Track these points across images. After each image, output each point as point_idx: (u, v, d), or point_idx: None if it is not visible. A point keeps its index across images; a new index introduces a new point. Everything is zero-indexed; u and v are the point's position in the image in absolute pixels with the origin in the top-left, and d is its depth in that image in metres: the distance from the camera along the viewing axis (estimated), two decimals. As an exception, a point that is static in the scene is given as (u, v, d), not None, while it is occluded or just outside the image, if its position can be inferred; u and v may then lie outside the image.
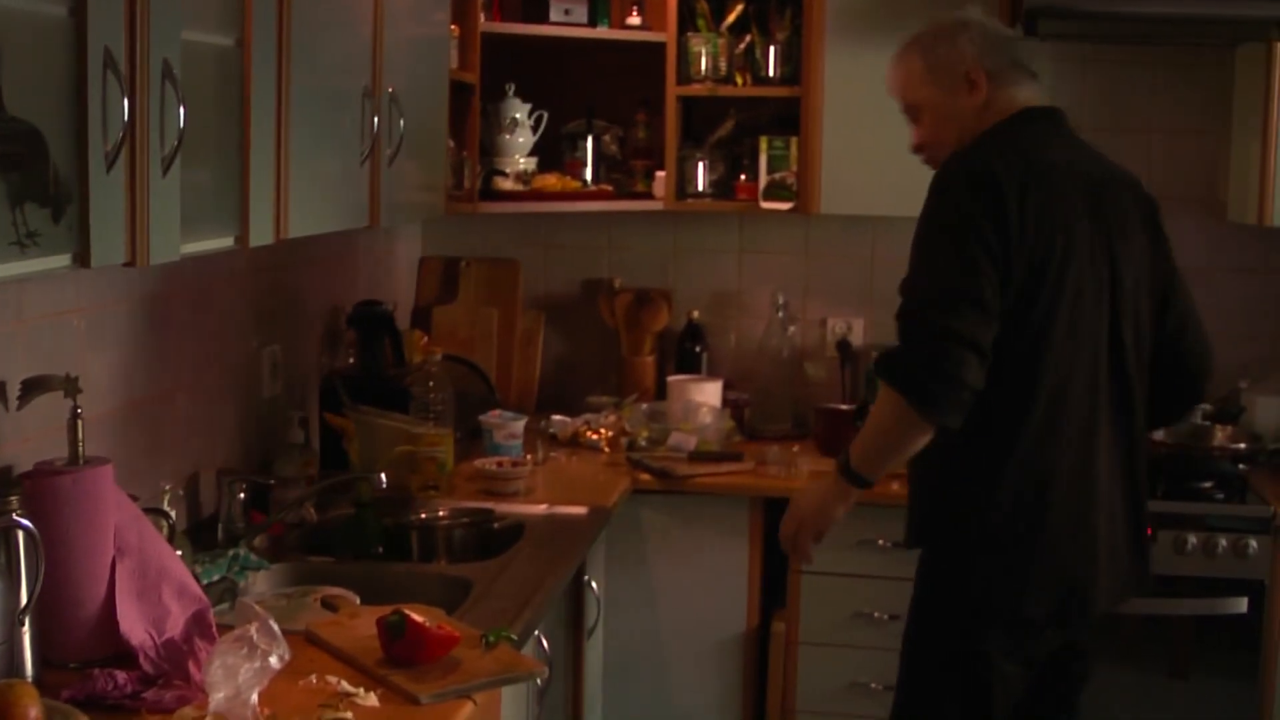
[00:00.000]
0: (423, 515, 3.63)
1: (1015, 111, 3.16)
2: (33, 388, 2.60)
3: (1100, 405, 3.05)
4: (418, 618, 2.52)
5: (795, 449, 4.38)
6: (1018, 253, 2.92)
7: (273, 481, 3.47)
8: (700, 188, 4.70)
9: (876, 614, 4.19)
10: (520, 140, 4.51)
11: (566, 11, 4.55)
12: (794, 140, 4.52)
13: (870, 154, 4.38)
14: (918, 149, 3.31)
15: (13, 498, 2.34)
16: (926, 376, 2.86)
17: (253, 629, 2.36)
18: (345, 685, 2.43)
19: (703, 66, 4.59)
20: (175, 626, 2.50)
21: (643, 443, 4.43)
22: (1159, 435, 4.34)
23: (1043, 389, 2.97)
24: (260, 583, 3.06)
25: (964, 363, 2.84)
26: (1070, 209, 3.03)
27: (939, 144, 3.23)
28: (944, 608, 3.13)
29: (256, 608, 2.45)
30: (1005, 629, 3.06)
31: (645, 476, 4.20)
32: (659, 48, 4.56)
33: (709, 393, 4.66)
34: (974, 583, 3.06)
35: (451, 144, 4.03)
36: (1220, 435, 4.38)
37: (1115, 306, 3.07)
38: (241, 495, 3.25)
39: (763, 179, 4.56)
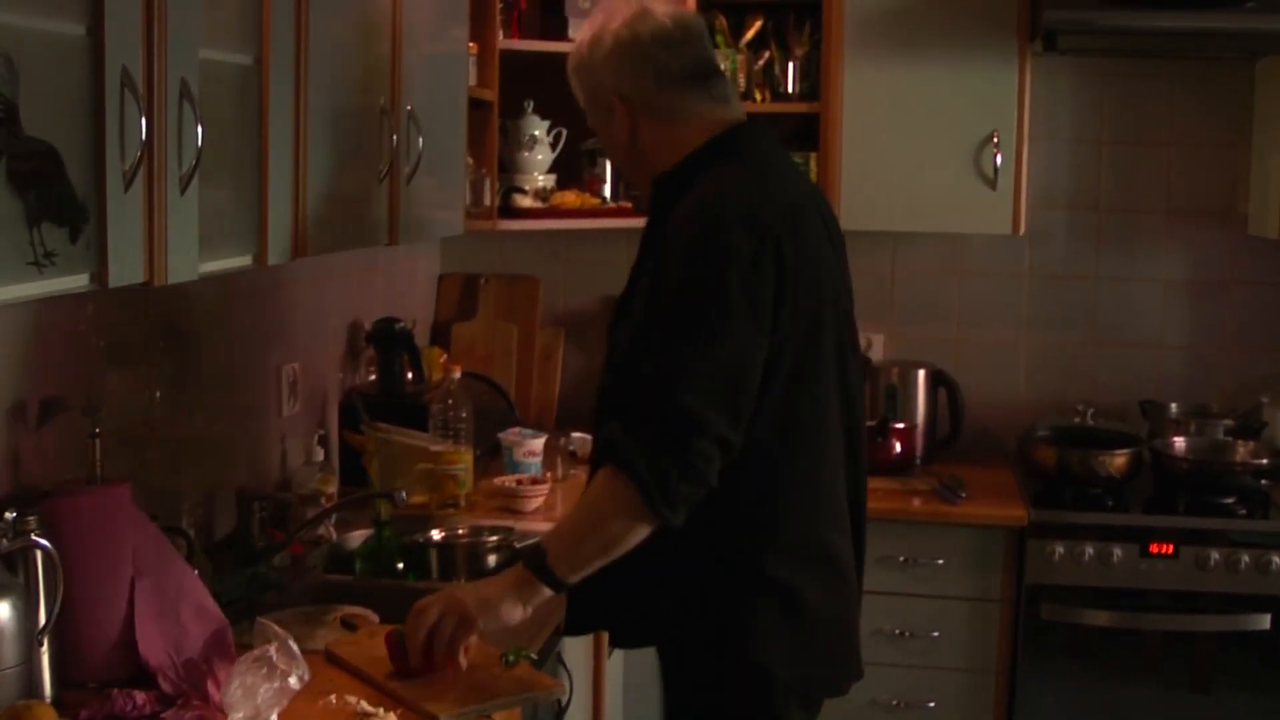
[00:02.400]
0: (442, 533, 3.62)
1: (729, 126, 2.74)
2: (51, 408, 2.61)
3: (838, 451, 2.75)
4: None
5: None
6: (790, 304, 2.52)
7: (292, 500, 3.47)
8: (719, 204, 4.68)
9: (896, 631, 4.18)
10: (539, 157, 4.50)
11: (585, 28, 4.54)
12: (813, 156, 4.51)
13: (889, 169, 4.38)
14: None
15: (31, 518, 2.34)
16: (677, 476, 2.40)
17: (272, 649, 2.36)
18: (365, 705, 2.42)
19: (721, 82, 4.58)
20: (194, 646, 2.49)
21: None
22: (1180, 450, 4.34)
23: (801, 443, 2.63)
24: (279, 602, 3.05)
25: (714, 463, 2.43)
26: (818, 238, 2.67)
27: (615, 159, 3.02)
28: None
29: (275, 627, 2.44)
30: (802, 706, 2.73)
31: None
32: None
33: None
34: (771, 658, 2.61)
35: (470, 161, 4.02)
36: (1242, 450, 4.36)
37: (845, 336, 2.74)
38: (260, 514, 3.24)
39: (781, 195, 4.55)
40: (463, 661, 2.51)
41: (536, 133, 4.49)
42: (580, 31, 2.83)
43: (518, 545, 3.52)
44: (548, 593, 2.50)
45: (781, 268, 2.50)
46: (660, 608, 2.63)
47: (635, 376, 2.49)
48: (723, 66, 4.47)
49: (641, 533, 2.45)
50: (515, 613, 2.52)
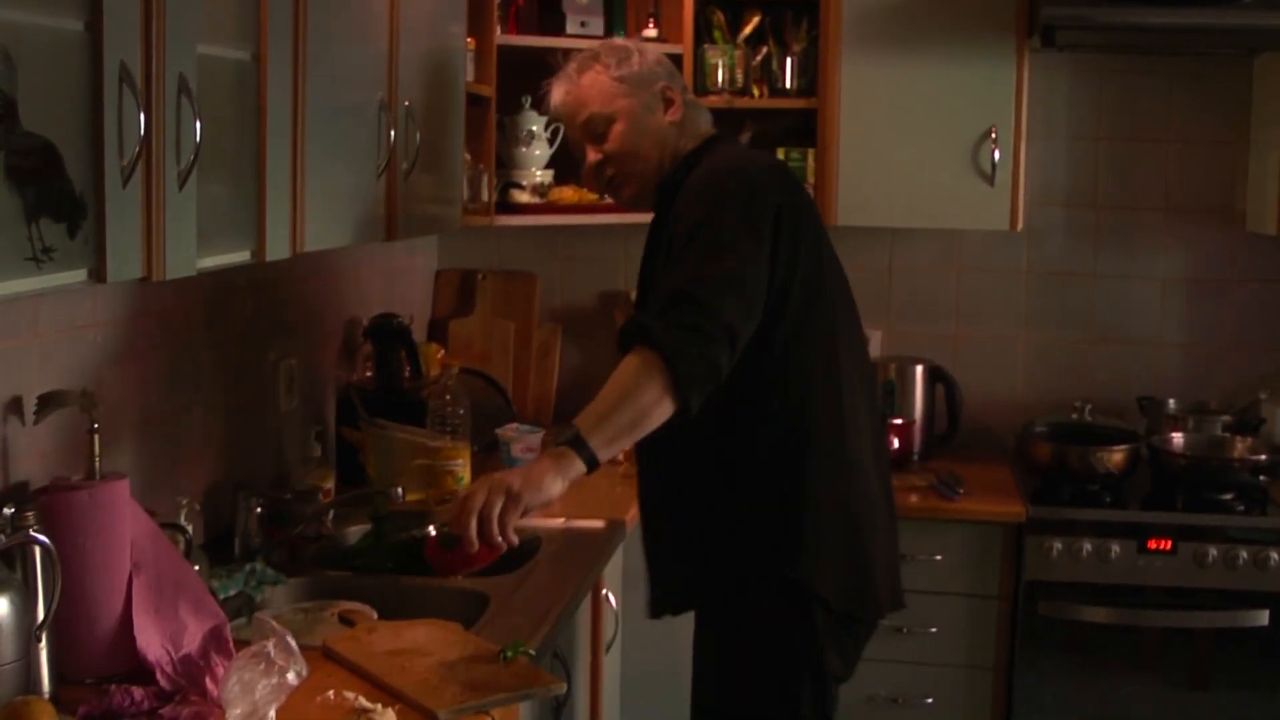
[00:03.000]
0: (440, 529, 3.62)
1: (707, 137, 3.16)
2: (49, 403, 2.60)
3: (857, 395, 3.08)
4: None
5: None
6: (794, 261, 2.90)
7: (289, 495, 3.47)
8: (717, 200, 4.68)
9: (894, 627, 4.17)
10: (537, 153, 4.50)
11: (583, 24, 4.55)
12: (811, 152, 4.51)
13: (887, 165, 4.38)
14: (599, 166, 3.15)
15: (29, 513, 2.34)
16: (697, 353, 2.70)
17: (270, 644, 2.36)
18: (363, 701, 2.42)
19: (719, 78, 4.58)
20: (192, 642, 2.49)
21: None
22: (1178, 446, 4.34)
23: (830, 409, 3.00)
24: (277, 597, 3.05)
25: (725, 346, 2.74)
26: (818, 223, 3.07)
27: (635, 158, 3.11)
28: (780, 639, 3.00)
29: (273, 623, 2.44)
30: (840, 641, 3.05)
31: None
32: (675, 60, 4.53)
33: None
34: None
35: (468, 157, 4.02)
36: (1240, 446, 4.36)
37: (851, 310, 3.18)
38: (258, 509, 3.24)
39: (779, 191, 4.55)
40: (514, 539, 2.67)
41: (534, 128, 4.48)
42: (593, 48, 3.20)
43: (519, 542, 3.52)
44: (582, 467, 2.68)
45: (777, 207, 2.88)
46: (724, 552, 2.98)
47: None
48: (720, 62, 4.54)
49: (666, 407, 2.70)
50: (556, 486, 2.67)
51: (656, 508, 3.19)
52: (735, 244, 2.81)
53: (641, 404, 2.70)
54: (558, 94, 3.16)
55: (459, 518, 2.65)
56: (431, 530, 2.90)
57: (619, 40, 3.30)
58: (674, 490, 3.10)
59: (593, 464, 2.69)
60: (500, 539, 2.64)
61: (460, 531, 2.64)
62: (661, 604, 3.18)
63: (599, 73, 3.10)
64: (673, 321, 2.72)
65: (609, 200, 3.14)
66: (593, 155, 3.13)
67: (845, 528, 2.98)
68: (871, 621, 3.12)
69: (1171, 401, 4.60)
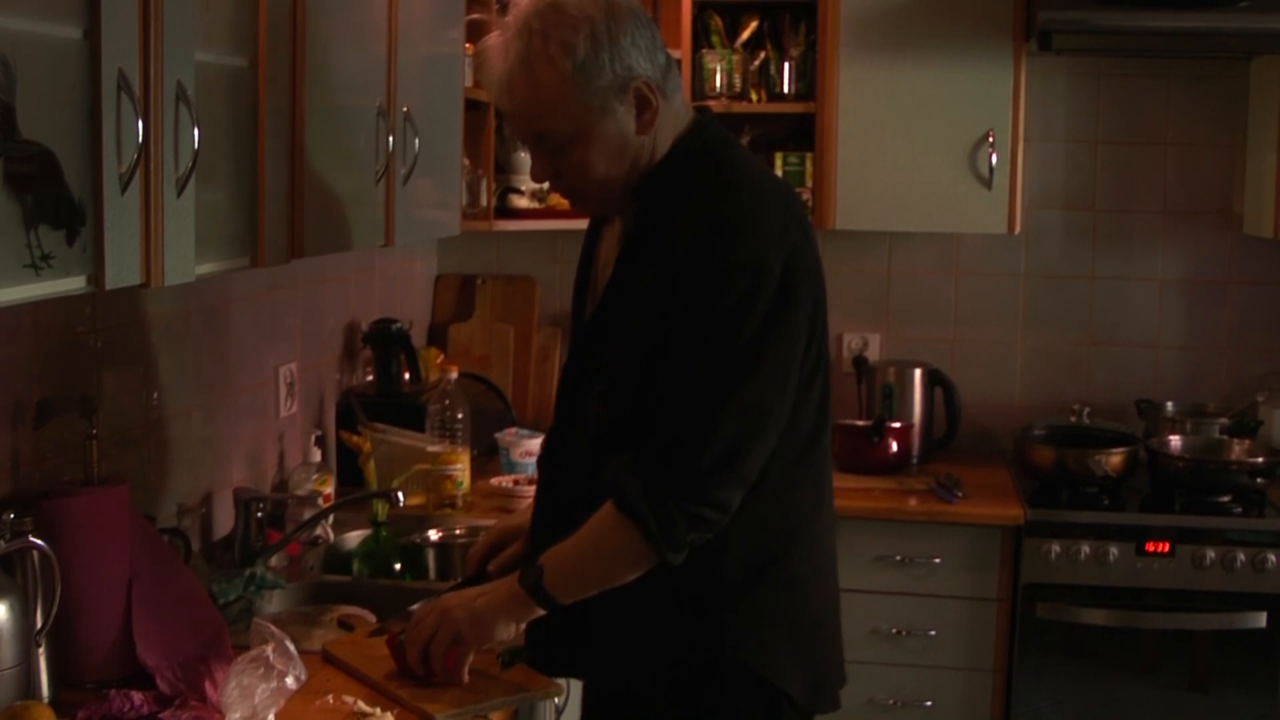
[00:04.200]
0: (439, 534, 3.63)
1: (693, 118, 2.56)
2: (49, 409, 2.61)
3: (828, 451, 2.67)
4: None
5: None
6: (817, 332, 2.48)
7: (289, 500, 3.48)
8: (715, 204, 4.68)
9: (893, 630, 4.18)
10: (535, 157, 4.50)
11: (580, 29, 4.54)
12: (809, 156, 4.52)
13: (885, 169, 4.39)
14: (554, 175, 2.52)
15: (28, 519, 2.34)
16: (687, 528, 2.35)
17: (269, 649, 2.36)
18: (361, 705, 2.43)
19: (717, 83, 4.59)
20: (191, 647, 2.50)
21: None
22: (1176, 449, 4.35)
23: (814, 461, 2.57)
24: (276, 602, 3.06)
25: (726, 511, 2.39)
26: (813, 247, 2.52)
27: (603, 183, 2.49)
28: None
29: (272, 628, 2.44)
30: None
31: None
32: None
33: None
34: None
35: (467, 162, 4.03)
36: (1238, 449, 4.36)
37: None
38: (258, 514, 3.24)
39: (778, 195, 4.55)
40: (464, 677, 2.48)
41: (533, 133, 4.48)
42: (542, 12, 2.39)
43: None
44: (540, 612, 2.46)
45: (808, 276, 2.42)
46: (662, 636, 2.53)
47: (648, 408, 2.40)
48: (718, 66, 4.55)
49: (643, 569, 2.40)
50: (509, 630, 2.49)
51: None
52: (760, 364, 2.36)
53: (614, 570, 2.42)
54: (498, 78, 2.44)
55: (408, 645, 2.50)
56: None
57: (580, 6, 2.39)
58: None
59: (554, 610, 2.45)
60: (447, 677, 2.48)
61: (410, 660, 2.50)
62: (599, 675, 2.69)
63: (557, 72, 2.37)
64: (664, 494, 2.35)
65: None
66: (545, 163, 2.51)
67: (816, 620, 2.62)
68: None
69: (1169, 404, 4.61)
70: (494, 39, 2.45)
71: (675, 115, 2.52)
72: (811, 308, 2.44)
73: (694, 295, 2.36)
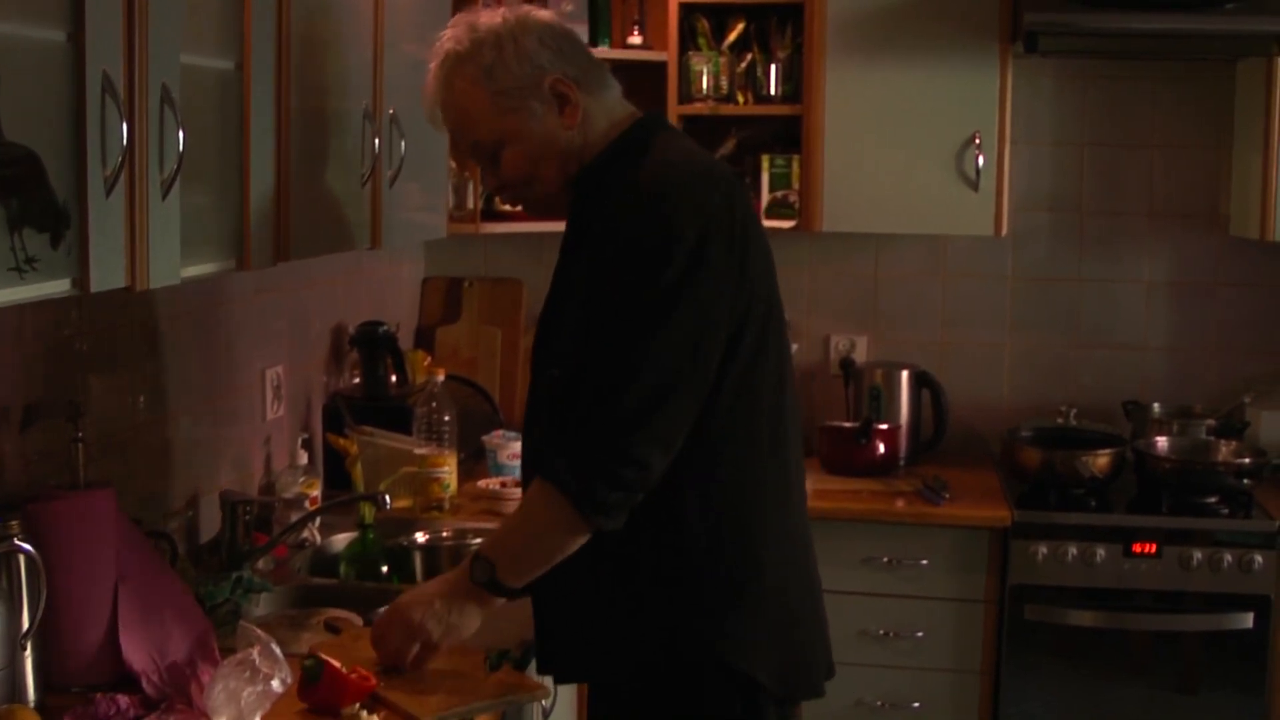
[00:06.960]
0: (426, 536, 3.62)
1: (632, 115, 2.66)
2: (34, 412, 2.61)
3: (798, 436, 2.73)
4: (335, 663, 2.43)
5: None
6: (747, 302, 2.50)
7: (276, 503, 3.47)
8: (702, 206, 4.68)
9: (881, 632, 4.19)
10: (522, 160, 4.50)
11: (567, 31, 4.54)
12: (796, 158, 4.52)
13: (872, 171, 4.39)
14: (497, 185, 2.70)
15: (14, 522, 2.34)
16: (607, 488, 2.38)
17: (255, 652, 2.36)
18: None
19: (704, 85, 4.59)
20: (178, 650, 2.50)
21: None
22: (1163, 450, 4.35)
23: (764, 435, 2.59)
24: (263, 605, 3.05)
25: (652, 470, 2.40)
26: (761, 233, 2.60)
27: (535, 180, 2.62)
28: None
29: (258, 631, 2.45)
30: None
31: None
32: (660, 67, 4.56)
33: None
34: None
35: (453, 165, 4.03)
36: (1225, 450, 4.37)
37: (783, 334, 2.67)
38: (245, 517, 3.24)
39: (765, 197, 4.56)
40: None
41: (520, 136, 4.48)
42: (457, 34, 2.61)
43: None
44: (501, 601, 2.53)
45: (731, 249, 2.45)
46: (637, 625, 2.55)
47: (576, 373, 2.45)
48: (704, 69, 4.55)
49: (581, 539, 2.44)
50: (473, 625, 2.54)
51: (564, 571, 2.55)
52: (675, 314, 2.39)
53: (552, 543, 2.45)
54: (430, 98, 2.65)
55: (379, 657, 2.56)
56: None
57: (479, 19, 2.61)
58: (593, 557, 2.50)
59: (513, 596, 2.53)
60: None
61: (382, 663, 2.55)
62: (564, 671, 2.72)
63: (471, 82, 2.56)
64: (582, 455, 2.39)
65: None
66: (487, 173, 2.70)
67: (788, 608, 2.62)
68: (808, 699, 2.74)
69: (1156, 405, 4.62)
70: (429, 73, 2.64)
71: (609, 112, 2.63)
72: (739, 281, 2.46)
73: (607, 264, 2.45)
